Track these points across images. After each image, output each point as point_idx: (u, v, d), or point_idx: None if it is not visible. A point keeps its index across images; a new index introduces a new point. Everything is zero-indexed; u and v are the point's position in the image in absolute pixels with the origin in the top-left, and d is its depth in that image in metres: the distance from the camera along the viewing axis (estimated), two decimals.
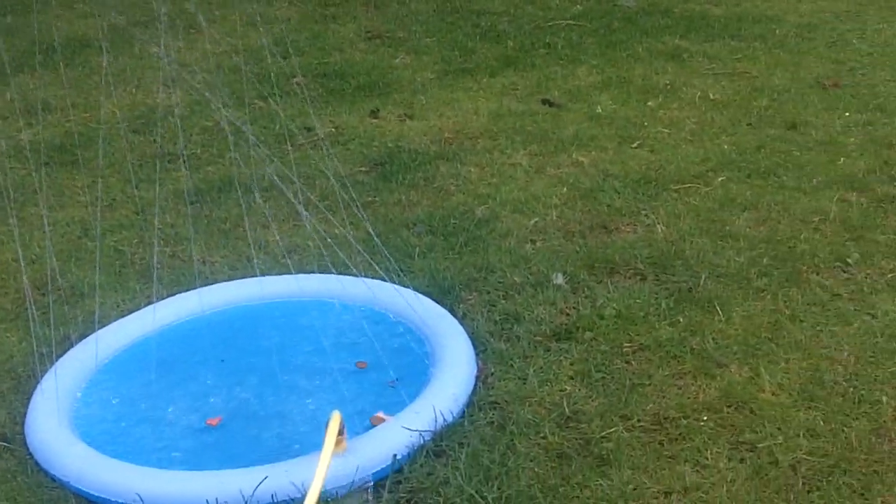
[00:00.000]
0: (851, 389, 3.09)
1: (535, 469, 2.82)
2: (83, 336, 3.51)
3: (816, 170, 4.67)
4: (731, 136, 5.18)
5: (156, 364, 3.38)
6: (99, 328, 3.50)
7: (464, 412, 3.05)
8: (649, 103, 5.74)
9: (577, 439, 2.94)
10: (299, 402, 3.19)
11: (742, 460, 2.82)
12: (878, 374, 3.16)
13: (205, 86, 4.75)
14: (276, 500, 2.69)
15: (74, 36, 7.40)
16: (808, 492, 2.69)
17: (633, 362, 3.30)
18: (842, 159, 4.79)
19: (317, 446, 2.72)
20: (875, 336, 3.36)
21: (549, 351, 3.38)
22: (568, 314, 3.59)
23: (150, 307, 3.63)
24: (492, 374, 3.25)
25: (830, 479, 2.73)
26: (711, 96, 5.80)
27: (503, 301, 3.67)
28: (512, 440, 2.93)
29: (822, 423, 2.94)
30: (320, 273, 3.80)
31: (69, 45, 7.05)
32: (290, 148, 4.98)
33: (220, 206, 4.56)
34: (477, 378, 3.21)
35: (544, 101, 5.85)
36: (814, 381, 3.13)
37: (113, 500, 2.76)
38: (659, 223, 4.21)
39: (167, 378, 3.34)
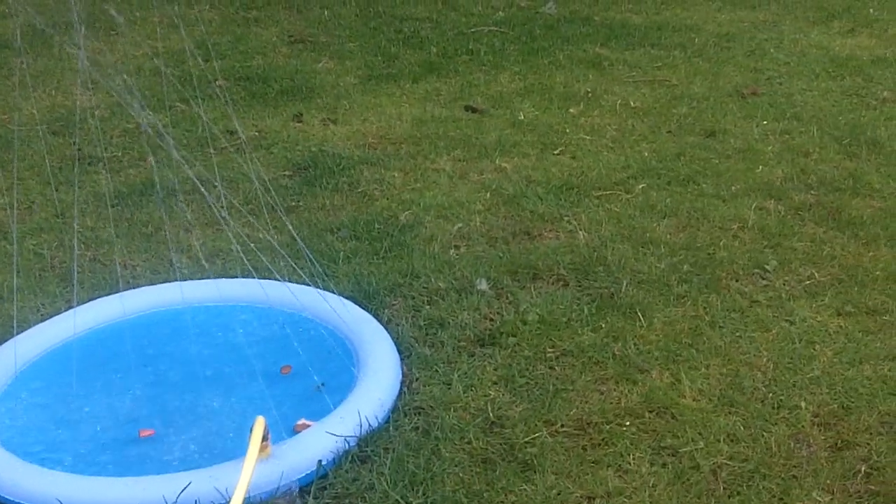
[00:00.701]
0: (770, 395, 3.14)
1: (460, 474, 2.83)
2: (1, 341, 3.45)
3: (735, 177, 4.75)
4: (651, 143, 5.25)
5: (77, 370, 3.32)
6: (18, 333, 3.44)
7: (389, 417, 3.05)
8: (571, 110, 5.79)
9: (501, 444, 2.95)
10: (223, 407, 3.16)
11: (664, 465, 2.85)
12: (797, 379, 3.22)
13: (125, 88, 4.69)
14: None
15: None
16: (729, 496, 2.73)
17: (556, 368, 3.32)
18: (760, 167, 4.87)
19: (241, 452, 2.70)
20: (793, 342, 3.42)
21: (473, 356, 3.39)
22: (492, 319, 3.60)
23: (71, 311, 3.57)
24: (416, 379, 3.25)
25: (751, 483, 2.77)
26: (632, 104, 5.87)
27: (427, 306, 3.68)
28: (437, 445, 2.94)
29: (742, 428, 2.99)
30: (243, 278, 3.77)
31: None
32: (212, 151, 4.95)
33: (142, 210, 4.51)
34: (402, 383, 3.21)
35: (467, 108, 5.87)
36: (733, 387, 3.18)
37: None
38: (581, 229, 4.24)
39: (89, 384, 3.28)
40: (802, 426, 3.00)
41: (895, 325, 3.51)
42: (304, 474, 2.79)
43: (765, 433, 2.96)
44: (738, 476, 2.80)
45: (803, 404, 3.09)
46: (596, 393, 3.18)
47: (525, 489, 2.77)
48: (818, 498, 2.71)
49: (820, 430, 2.98)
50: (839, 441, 2.93)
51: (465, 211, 4.46)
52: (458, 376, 3.26)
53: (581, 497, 2.75)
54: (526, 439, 2.96)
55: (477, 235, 4.23)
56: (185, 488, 2.66)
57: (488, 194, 4.64)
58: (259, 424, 2.74)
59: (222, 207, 3.97)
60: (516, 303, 3.69)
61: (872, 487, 2.75)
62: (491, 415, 3.08)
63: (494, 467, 2.86)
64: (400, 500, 2.72)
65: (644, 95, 6.01)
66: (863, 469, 2.81)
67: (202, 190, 3.70)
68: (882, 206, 4.42)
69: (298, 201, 4.59)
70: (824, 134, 5.27)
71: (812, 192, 4.58)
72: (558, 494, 2.75)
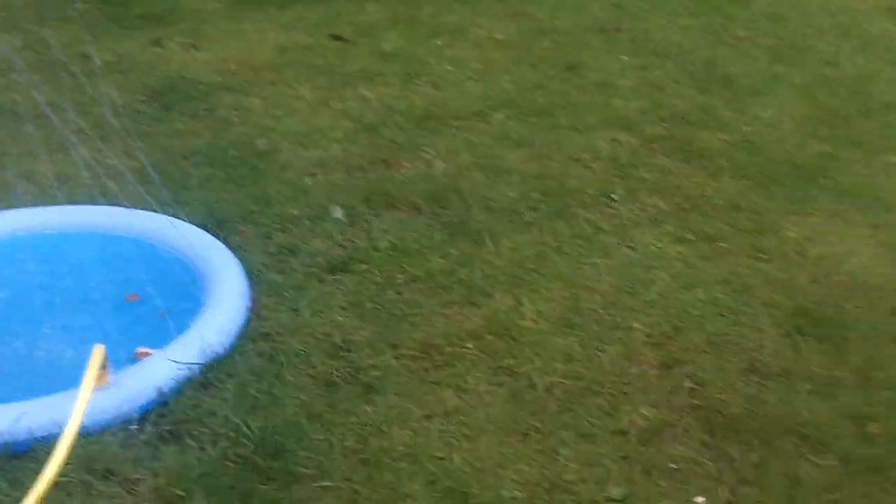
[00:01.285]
0: (607, 317, 3.23)
1: (302, 398, 2.85)
2: None
3: (591, 110, 4.82)
4: (512, 75, 5.29)
5: None
6: None
7: (234, 344, 3.04)
8: (436, 41, 5.80)
9: (345, 368, 2.98)
10: (65, 337, 3.12)
11: (501, 384, 2.92)
12: (633, 302, 3.31)
13: None
14: (34, 436, 2.62)
15: None
16: (560, 413, 2.80)
17: (404, 293, 3.35)
18: (616, 100, 4.95)
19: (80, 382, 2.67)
20: (633, 267, 3.51)
21: (323, 282, 3.40)
22: (344, 247, 3.62)
23: None
24: (264, 306, 3.25)
25: (583, 400, 2.85)
26: (497, 37, 5.90)
27: (280, 233, 3.67)
28: (280, 371, 2.95)
29: (578, 348, 3.07)
30: (90, 204, 3.69)
31: None
32: (64, 75, 4.82)
33: None
34: (249, 310, 3.21)
35: (332, 36, 5.83)
36: (573, 310, 3.26)
37: None
38: (438, 158, 4.27)
39: None
40: (635, 346, 3.09)
41: (730, 252, 3.63)
42: (143, 402, 2.76)
43: (599, 353, 3.05)
44: (571, 393, 2.88)
45: (637, 325, 3.18)
46: (441, 317, 3.23)
47: (366, 410, 2.81)
48: (645, 413, 2.80)
49: (651, 350, 3.07)
50: (668, 359, 3.03)
51: (324, 139, 4.45)
52: (307, 302, 3.27)
53: (420, 416, 2.80)
54: (370, 362, 3.00)
55: (334, 163, 4.23)
56: (18, 417, 2.61)
57: (349, 122, 4.63)
58: (97, 353, 2.70)
59: (70, 132, 3.88)
60: (369, 230, 3.71)
61: (695, 402, 2.85)
62: (337, 340, 3.10)
63: (337, 390, 2.89)
64: (241, 423, 2.73)
65: (509, 29, 6.04)
66: (687, 385, 2.92)
67: (50, 114, 3.61)
68: (729, 138, 4.54)
69: (153, 127, 4.52)
70: (680, 69, 5.37)
71: (664, 124, 4.68)
72: (399, 414, 2.80)
